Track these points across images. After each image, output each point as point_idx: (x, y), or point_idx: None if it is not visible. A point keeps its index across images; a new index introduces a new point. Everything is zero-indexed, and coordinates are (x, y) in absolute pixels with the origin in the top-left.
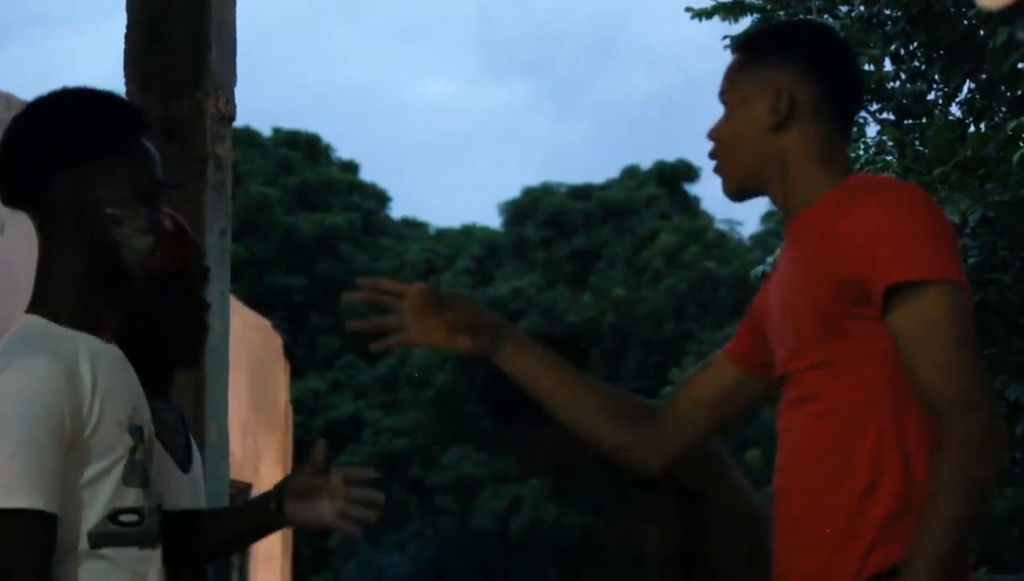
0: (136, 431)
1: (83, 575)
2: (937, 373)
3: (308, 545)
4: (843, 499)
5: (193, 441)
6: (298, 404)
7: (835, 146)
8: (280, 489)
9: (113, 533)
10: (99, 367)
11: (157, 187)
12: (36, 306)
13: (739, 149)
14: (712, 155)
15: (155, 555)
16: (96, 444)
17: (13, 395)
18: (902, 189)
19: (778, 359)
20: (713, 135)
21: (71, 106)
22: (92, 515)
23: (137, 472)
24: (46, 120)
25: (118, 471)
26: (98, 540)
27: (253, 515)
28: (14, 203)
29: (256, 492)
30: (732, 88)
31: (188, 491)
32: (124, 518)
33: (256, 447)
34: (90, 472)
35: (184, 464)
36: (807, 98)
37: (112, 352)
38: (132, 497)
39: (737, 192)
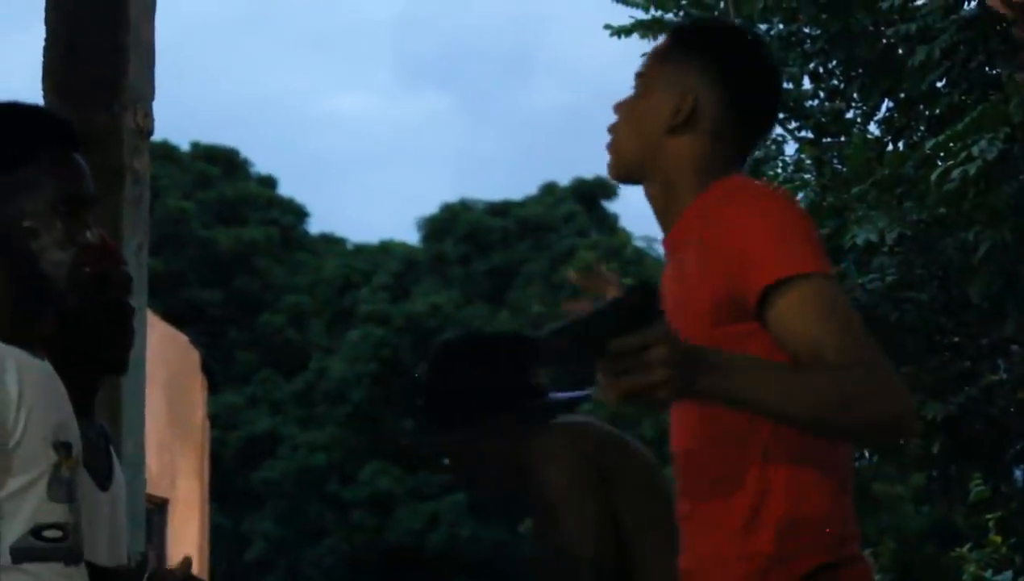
0: (62, 447)
1: None
2: (829, 348)
3: (224, 560)
4: (732, 522)
5: (116, 460)
6: (215, 419)
7: (722, 164)
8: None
9: (36, 548)
10: (26, 380)
11: (79, 200)
12: None
13: (631, 136)
14: (610, 129)
15: (79, 572)
16: (20, 457)
17: None
18: (761, 193)
19: None
20: (616, 109)
21: None
22: (14, 530)
23: (62, 488)
24: None
25: (42, 486)
26: (20, 555)
27: None
28: None
29: (172, 507)
30: (648, 72)
31: (106, 510)
32: (48, 533)
33: (173, 462)
34: (13, 485)
35: (103, 483)
36: (711, 109)
37: (42, 367)
38: (57, 513)
39: (620, 176)
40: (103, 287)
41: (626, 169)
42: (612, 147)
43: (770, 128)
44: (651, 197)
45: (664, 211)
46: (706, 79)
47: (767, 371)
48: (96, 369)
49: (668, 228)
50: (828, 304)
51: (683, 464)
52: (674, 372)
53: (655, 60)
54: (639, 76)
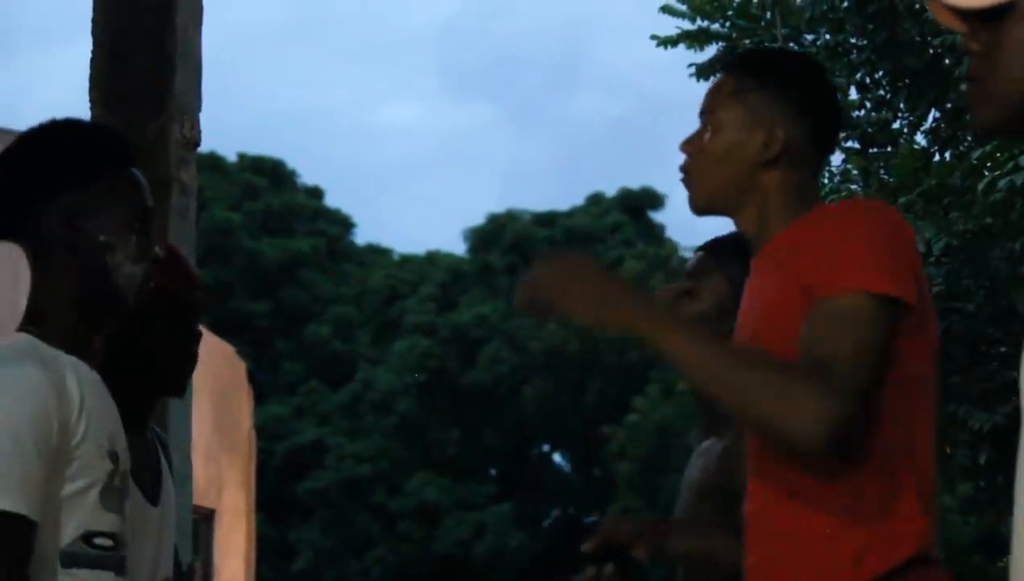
0: (114, 457)
1: None
2: (828, 352)
3: (271, 571)
4: (829, 510)
5: (168, 474)
6: (261, 430)
7: (810, 184)
8: None
9: (86, 555)
10: (85, 387)
11: (147, 216)
12: (26, 325)
13: (719, 171)
14: (685, 167)
15: None
16: (78, 460)
17: (4, 401)
18: (855, 207)
19: None
20: (690, 148)
21: (60, 137)
22: (66, 534)
23: (115, 497)
24: (37, 151)
25: (96, 493)
26: (69, 560)
27: None
28: (3, 234)
29: (219, 518)
30: (723, 108)
31: (155, 524)
32: (98, 541)
33: (220, 473)
34: (70, 488)
35: (152, 497)
36: (797, 140)
37: (96, 378)
38: (108, 522)
39: (704, 209)
40: (176, 309)
41: (712, 200)
42: (693, 183)
43: (833, 152)
44: (743, 225)
45: (758, 237)
46: (787, 114)
47: (694, 339)
48: (157, 390)
49: (759, 250)
50: (854, 321)
51: (763, 464)
52: (556, 283)
53: (725, 95)
54: (709, 112)
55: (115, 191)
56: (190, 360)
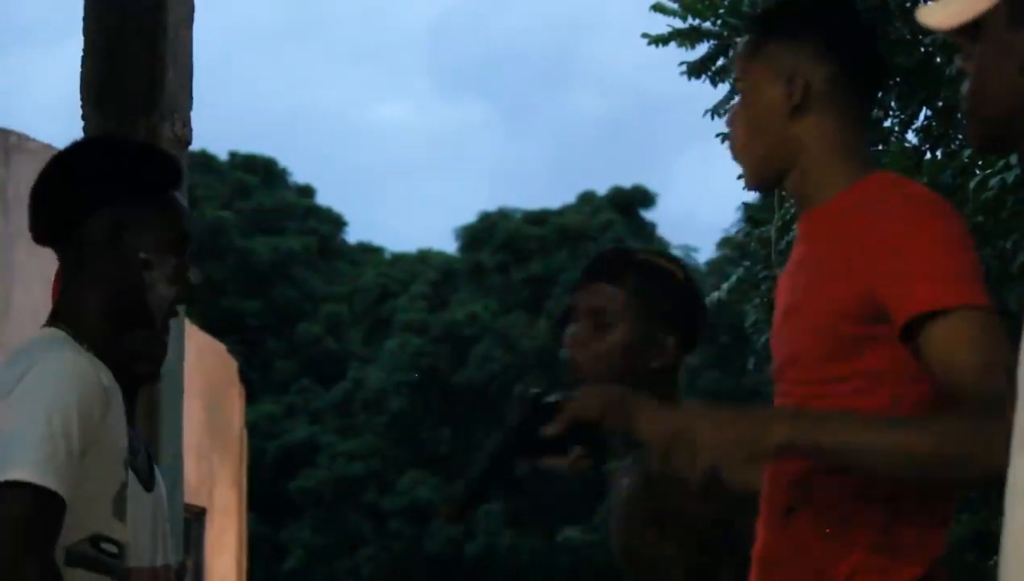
0: (127, 468)
1: None
2: (969, 389)
3: (262, 568)
4: (830, 521)
5: (154, 462)
6: (253, 429)
7: (853, 133)
8: None
9: (90, 556)
10: (113, 388)
11: (188, 241)
12: (56, 322)
13: (754, 139)
14: (732, 144)
15: None
16: (101, 458)
17: (53, 380)
18: (927, 200)
19: (777, 363)
20: (730, 123)
21: (117, 150)
22: (74, 533)
23: (123, 507)
24: (92, 159)
25: (109, 498)
26: (72, 559)
27: None
28: (45, 236)
29: (210, 516)
30: (744, 74)
31: (150, 511)
32: (104, 546)
33: (211, 472)
34: (89, 485)
35: (147, 483)
36: (822, 81)
37: (118, 387)
38: (118, 529)
39: (757, 183)
40: None
41: (761, 171)
42: (740, 159)
43: (884, 83)
44: (791, 186)
45: (807, 198)
46: (806, 55)
47: (856, 424)
48: (134, 379)
49: (806, 209)
50: (978, 340)
51: (774, 474)
52: (697, 439)
53: (746, 59)
54: (737, 80)
55: (162, 212)
56: (160, 350)
